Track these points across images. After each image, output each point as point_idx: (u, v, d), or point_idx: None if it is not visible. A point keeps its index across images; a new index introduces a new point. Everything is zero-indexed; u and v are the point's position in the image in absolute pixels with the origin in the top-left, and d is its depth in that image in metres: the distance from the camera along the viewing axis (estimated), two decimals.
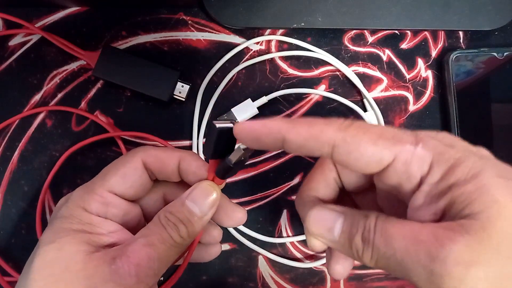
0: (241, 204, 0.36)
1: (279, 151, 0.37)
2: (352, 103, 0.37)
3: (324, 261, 0.36)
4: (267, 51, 0.37)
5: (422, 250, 0.18)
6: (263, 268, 0.37)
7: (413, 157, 0.20)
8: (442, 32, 0.38)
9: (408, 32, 0.37)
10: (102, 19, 0.36)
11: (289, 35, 0.37)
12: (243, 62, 0.36)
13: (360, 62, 0.37)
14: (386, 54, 0.37)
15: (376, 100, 0.37)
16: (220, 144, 0.24)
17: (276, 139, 0.21)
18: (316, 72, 0.37)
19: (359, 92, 0.37)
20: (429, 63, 0.38)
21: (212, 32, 0.36)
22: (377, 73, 0.37)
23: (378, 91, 0.37)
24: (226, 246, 0.37)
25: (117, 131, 0.36)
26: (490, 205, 0.18)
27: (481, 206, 0.18)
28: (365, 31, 0.37)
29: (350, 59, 0.37)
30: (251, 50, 0.37)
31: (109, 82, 0.35)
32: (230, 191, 0.36)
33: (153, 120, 0.36)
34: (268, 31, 0.37)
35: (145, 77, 0.34)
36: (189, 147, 0.36)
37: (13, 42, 0.36)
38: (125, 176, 0.26)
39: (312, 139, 0.20)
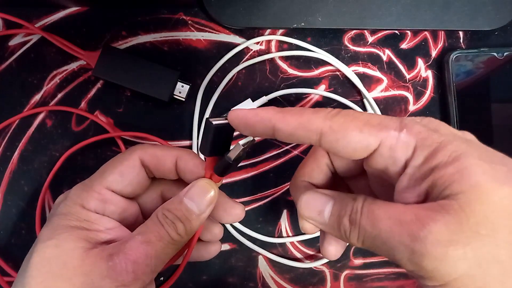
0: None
1: (281, 149, 0.37)
2: (352, 103, 0.37)
3: (324, 261, 0.36)
4: (267, 51, 0.37)
5: (404, 230, 0.19)
6: (263, 268, 0.37)
7: (398, 142, 0.21)
8: (442, 32, 0.38)
9: (408, 32, 0.37)
10: (102, 19, 0.36)
11: (289, 35, 0.37)
12: (243, 62, 0.36)
13: (360, 62, 0.37)
14: (386, 54, 0.37)
15: (376, 100, 0.37)
16: (217, 141, 0.24)
17: (267, 127, 0.22)
18: (316, 72, 0.37)
19: (359, 92, 0.37)
20: (429, 63, 0.38)
21: (212, 32, 0.36)
22: (377, 73, 0.37)
23: (378, 91, 0.37)
24: (226, 246, 0.37)
25: (117, 131, 0.36)
26: (470, 186, 0.18)
27: (461, 187, 0.19)
28: (365, 31, 0.37)
29: (350, 59, 0.37)
30: (251, 50, 0.37)
31: (109, 82, 0.35)
32: (230, 191, 0.36)
33: (153, 120, 0.36)
34: (268, 31, 0.37)
35: (145, 77, 0.34)
36: (189, 147, 0.36)
37: (13, 42, 0.36)
38: (122, 173, 0.27)
39: (301, 128, 0.21)
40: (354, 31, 0.37)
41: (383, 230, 0.20)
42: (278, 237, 0.37)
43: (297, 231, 0.37)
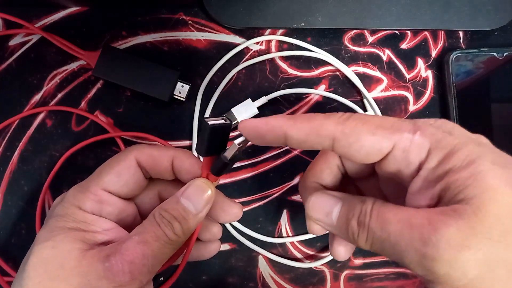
0: (241, 204, 0.36)
1: (281, 149, 0.37)
2: (352, 103, 0.37)
3: (324, 261, 0.36)
4: (267, 51, 0.37)
5: (415, 234, 0.19)
6: (263, 268, 0.37)
7: (412, 145, 0.21)
8: (442, 32, 0.38)
9: (408, 32, 0.37)
10: (102, 19, 0.36)
11: (289, 35, 0.37)
12: (243, 62, 0.36)
13: (360, 62, 0.37)
14: (386, 54, 0.37)
15: (376, 100, 0.37)
16: (213, 141, 0.24)
17: (279, 135, 0.22)
18: (316, 72, 0.37)
19: (359, 92, 0.37)
20: (429, 63, 0.38)
21: (212, 32, 0.36)
22: (377, 73, 0.37)
23: (378, 91, 0.37)
24: (226, 246, 0.37)
25: (117, 131, 0.36)
26: (483, 191, 0.18)
27: (474, 191, 0.19)
28: (365, 31, 0.37)
29: (350, 59, 0.37)
30: (251, 50, 0.37)
31: (109, 82, 0.35)
32: (230, 191, 0.36)
33: (153, 120, 0.36)
34: (268, 31, 0.37)
35: (145, 77, 0.34)
36: (189, 147, 0.36)
37: (13, 42, 0.36)
38: (119, 174, 0.27)
39: (313, 134, 0.21)
40: (354, 31, 0.37)
41: (392, 233, 0.20)
42: (278, 237, 0.37)
43: (297, 231, 0.37)
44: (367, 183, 0.27)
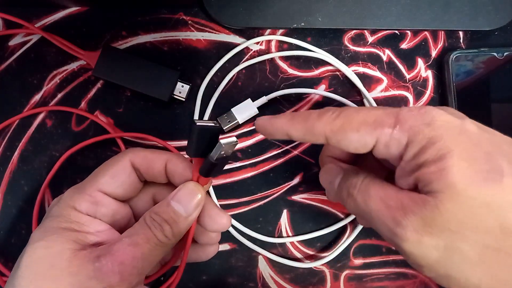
0: (241, 204, 0.37)
1: (281, 149, 0.37)
2: (352, 103, 0.37)
3: (324, 261, 0.36)
4: (267, 51, 0.37)
5: (390, 214, 0.22)
6: (263, 268, 0.37)
7: (391, 140, 0.23)
8: (442, 32, 0.38)
9: (408, 32, 0.37)
10: (102, 19, 0.36)
11: (289, 35, 0.37)
12: (243, 62, 0.36)
13: (360, 62, 0.37)
14: (386, 54, 0.37)
15: (376, 100, 0.37)
16: (201, 142, 0.25)
17: (283, 134, 0.26)
18: (316, 72, 0.37)
19: (359, 92, 0.37)
20: (429, 63, 0.38)
21: (212, 32, 0.36)
22: (377, 73, 0.37)
23: (378, 91, 0.37)
24: (226, 246, 0.37)
25: (117, 131, 0.36)
26: (445, 187, 0.21)
27: (438, 187, 0.21)
28: (365, 31, 0.37)
29: (350, 59, 0.37)
30: (251, 50, 0.37)
31: (109, 82, 0.35)
32: (230, 191, 0.36)
33: (153, 120, 0.36)
34: (268, 31, 0.37)
35: (145, 77, 0.34)
36: None
37: (13, 42, 0.36)
38: (114, 175, 0.27)
39: (308, 133, 0.25)
40: (354, 31, 0.37)
41: (373, 209, 0.23)
42: (278, 237, 0.37)
43: (297, 231, 0.37)
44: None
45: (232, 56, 0.36)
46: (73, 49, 0.35)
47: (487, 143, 0.22)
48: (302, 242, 0.37)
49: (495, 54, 0.36)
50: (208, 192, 0.36)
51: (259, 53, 0.37)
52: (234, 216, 0.36)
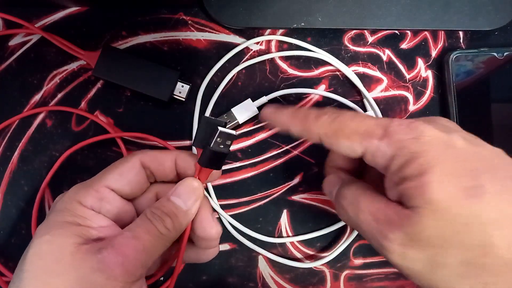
0: (241, 204, 0.37)
1: (281, 149, 0.37)
2: (352, 103, 0.37)
3: (324, 261, 0.36)
4: (267, 51, 0.37)
5: (378, 228, 0.23)
6: (263, 268, 0.37)
7: (377, 151, 0.24)
8: (442, 32, 0.38)
9: (408, 32, 0.37)
10: (102, 19, 0.36)
11: (289, 35, 0.37)
12: (243, 62, 0.36)
13: (360, 62, 0.37)
14: (386, 54, 0.37)
15: (376, 100, 0.37)
16: (205, 133, 0.27)
17: (284, 130, 0.28)
18: (316, 72, 0.37)
19: (359, 92, 0.37)
20: (429, 63, 0.38)
21: (212, 32, 0.36)
22: (377, 73, 0.37)
23: (378, 91, 0.37)
24: (226, 246, 0.37)
25: (117, 131, 0.36)
26: (426, 203, 0.21)
27: (419, 202, 0.22)
28: (365, 31, 0.37)
29: (350, 59, 0.37)
30: (251, 50, 0.37)
31: (109, 82, 0.35)
32: (230, 191, 0.36)
33: (153, 120, 0.36)
34: (268, 31, 0.37)
35: (145, 77, 0.34)
36: (189, 147, 0.36)
37: (13, 42, 0.36)
38: (122, 173, 0.28)
39: (305, 132, 0.27)
40: (354, 31, 0.37)
41: (363, 221, 0.24)
42: (278, 237, 0.37)
43: (297, 231, 0.37)
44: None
45: (232, 56, 0.36)
46: (73, 49, 0.35)
47: (474, 159, 0.22)
48: (302, 242, 0.37)
49: (495, 54, 0.36)
50: (208, 192, 0.36)
51: (259, 53, 0.37)
52: (234, 216, 0.36)
